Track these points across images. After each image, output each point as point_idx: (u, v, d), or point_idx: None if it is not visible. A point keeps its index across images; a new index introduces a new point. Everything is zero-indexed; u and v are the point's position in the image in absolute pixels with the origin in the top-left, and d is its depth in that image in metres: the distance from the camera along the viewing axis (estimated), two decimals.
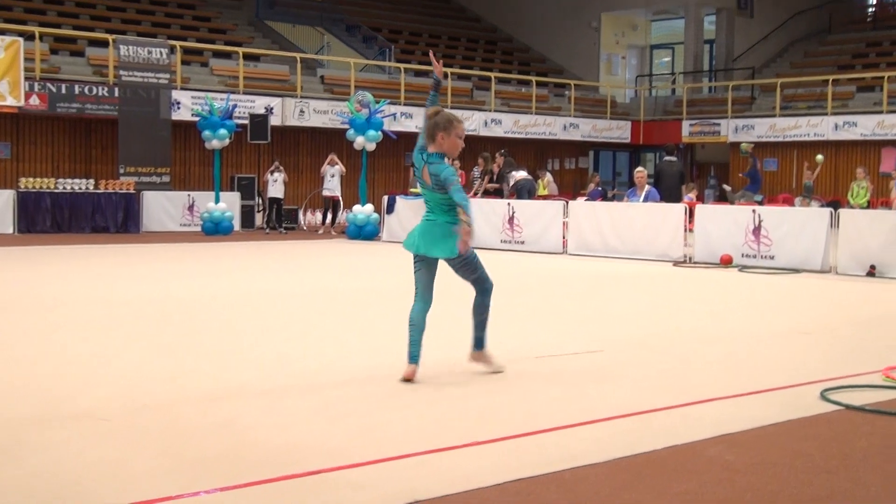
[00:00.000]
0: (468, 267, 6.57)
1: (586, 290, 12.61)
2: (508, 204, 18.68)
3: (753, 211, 15.89)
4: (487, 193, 21.18)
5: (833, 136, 29.07)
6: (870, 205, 22.83)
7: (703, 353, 7.84)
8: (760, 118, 31.19)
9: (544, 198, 23.76)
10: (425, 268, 6.55)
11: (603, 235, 17.32)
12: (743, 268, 15.14)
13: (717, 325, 9.56)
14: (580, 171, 33.79)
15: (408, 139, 26.85)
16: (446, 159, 6.45)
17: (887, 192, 22.57)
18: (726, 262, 15.44)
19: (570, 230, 17.86)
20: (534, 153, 31.91)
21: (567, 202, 18.68)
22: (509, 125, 30.06)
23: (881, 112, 28.39)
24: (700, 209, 16.85)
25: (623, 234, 17.04)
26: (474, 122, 29.28)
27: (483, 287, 6.65)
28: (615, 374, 6.90)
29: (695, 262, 15.90)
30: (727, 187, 25.59)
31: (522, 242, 18.28)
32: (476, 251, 6.60)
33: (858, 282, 13.55)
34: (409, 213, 20.50)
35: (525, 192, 21.06)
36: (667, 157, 20.58)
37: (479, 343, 6.74)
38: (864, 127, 28.48)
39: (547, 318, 9.77)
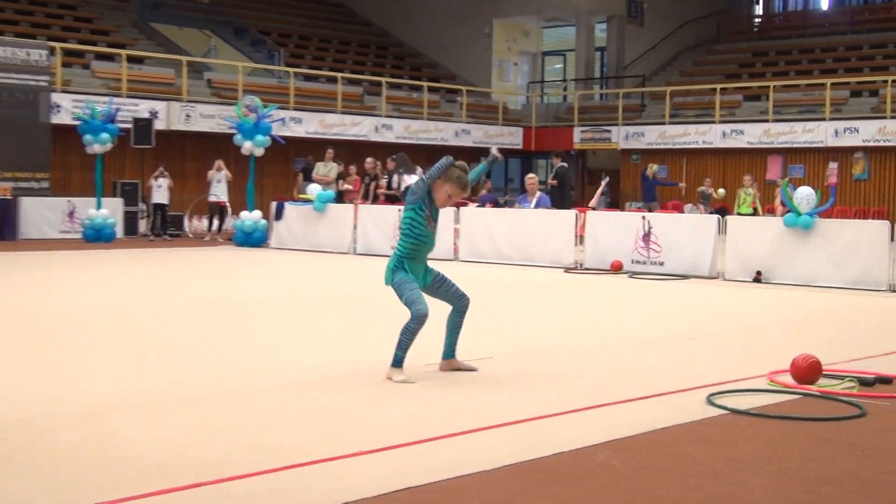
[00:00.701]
0: (395, 291, 6.79)
1: (477, 296, 12.43)
2: (399, 210, 18.48)
3: (643, 217, 16.02)
4: (377, 199, 20.99)
5: (721, 143, 29.62)
6: (755, 212, 23.20)
7: (592, 359, 7.81)
8: (650, 125, 31.64)
9: None
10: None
11: (494, 242, 17.27)
12: (633, 274, 15.23)
13: (605, 331, 9.57)
14: None
15: (296, 144, 26.55)
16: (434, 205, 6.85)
17: (772, 200, 22.97)
18: (616, 268, 15.52)
19: (462, 237, 17.78)
20: (425, 159, 31.65)
21: (458, 208, 18.55)
22: (400, 130, 29.96)
23: (767, 121, 29.02)
24: (591, 216, 16.90)
25: (514, 240, 17.01)
26: (365, 128, 29.13)
27: (411, 313, 6.72)
28: (504, 381, 6.82)
29: (586, 269, 15.95)
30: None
31: None
32: (404, 281, 6.74)
33: (745, 287, 13.73)
34: (298, 219, 20.24)
35: None
36: (563, 163, 20.64)
37: (396, 361, 6.70)
38: (751, 135, 29.08)
39: (436, 326, 9.60)
